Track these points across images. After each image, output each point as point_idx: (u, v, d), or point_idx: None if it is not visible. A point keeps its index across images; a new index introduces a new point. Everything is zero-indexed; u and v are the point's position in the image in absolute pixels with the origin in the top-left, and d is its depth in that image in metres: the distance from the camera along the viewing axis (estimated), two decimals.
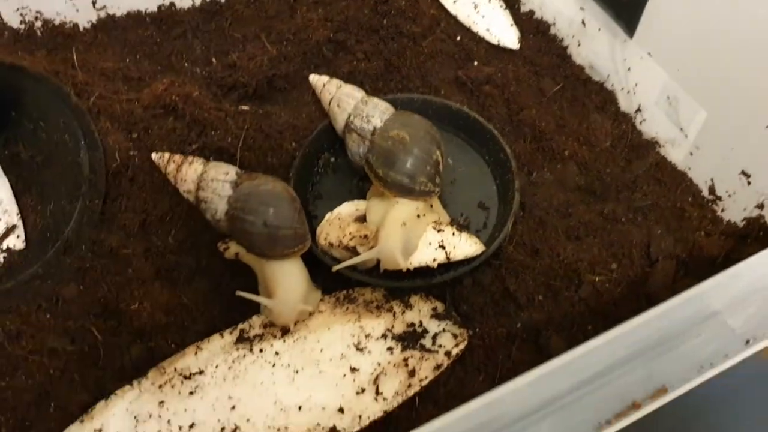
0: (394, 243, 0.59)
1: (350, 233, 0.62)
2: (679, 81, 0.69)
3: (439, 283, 0.62)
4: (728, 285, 0.43)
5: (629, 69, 0.75)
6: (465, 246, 0.61)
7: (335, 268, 0.60)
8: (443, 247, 0.61)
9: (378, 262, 0.61)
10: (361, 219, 0.65)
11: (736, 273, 0.43)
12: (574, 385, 0.37)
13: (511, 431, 0.35)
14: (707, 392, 0.40)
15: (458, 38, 0.82)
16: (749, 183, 0.64)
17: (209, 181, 0.61)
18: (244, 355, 0.57)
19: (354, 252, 0.61)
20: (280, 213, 0.58)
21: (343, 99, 0.66)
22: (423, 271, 0.62)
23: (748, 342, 0.40)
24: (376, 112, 0.64)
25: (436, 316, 0.61)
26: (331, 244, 0.62)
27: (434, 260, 0.61)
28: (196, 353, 0.58)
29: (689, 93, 0.68)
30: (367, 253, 0.60)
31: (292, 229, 0.58)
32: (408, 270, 0.60)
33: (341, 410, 0.54)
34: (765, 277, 0.43)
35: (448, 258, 0.61)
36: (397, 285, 0.62)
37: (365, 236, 0.61)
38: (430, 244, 0.61)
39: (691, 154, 0.70)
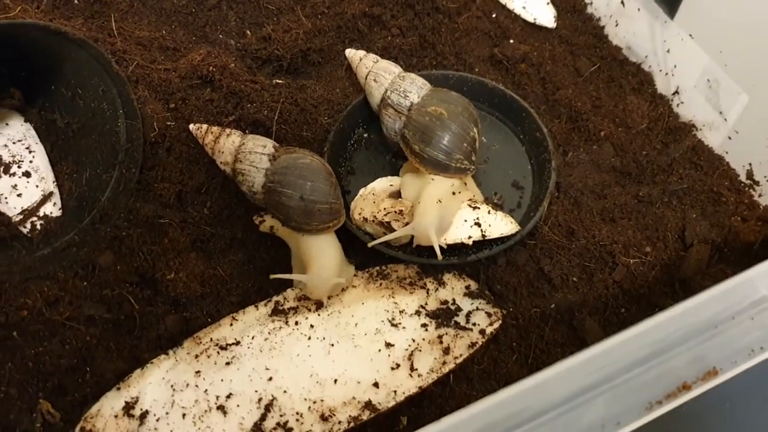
0: (429, 219, 0.59)
1: (385, 209, 0.62)
2: (721, 64, 0.68)
3: (473, 261, 0.62)
4: None
5: (668, 51, 0.74)
6: (500, 225, 0.61)
7: (371, 244, 0.60)
8: (479, 225, 0.61)
9: (411, 238, 0.61)
10: (395, 195, 0.65)
11: None
12: (625, 367, 0.37)
13: (566, 408, 0.36)
14: (756, 377, 0.40)
15: (494, 15, 0.81)
16: None
17: (247, 153, 0.61)
18: (280, 327, 0.57)
19: (388, 227, 0.61)
20: (317, 187, 0.58)
21: (380, 74, 0.66)
22: (457, 249, 0.62)
23: None
24: (414, 88, 0.64)
25: (469, 294, 0.61)
26: (365, 219, 0.62)
27: (469, 237, 0.60)
28: (231, 324, 0.58)
29: (731, 76, 0.67)
30: (402, 229, 0.60)
31: (327, 204, 0.58)
32: (442, 247, 0.60)
33: (376, 385, 0.54)
34: None
35: (483, 236, 0.61)
36: (431, 262, 0.62)
37: (400, 212, 0.61)
38: (465, 221, 0.61)
39: (730, 138, 0.69)
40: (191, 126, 0.63)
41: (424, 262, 0.62)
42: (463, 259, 0.62)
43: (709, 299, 0.41)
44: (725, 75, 0.67)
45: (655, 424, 0.37)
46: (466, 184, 0.65)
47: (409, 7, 0.79)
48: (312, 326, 0.58)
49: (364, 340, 0.57)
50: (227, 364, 0.55)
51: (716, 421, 0.58)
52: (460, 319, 0.59)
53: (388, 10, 0.79)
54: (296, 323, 0.58)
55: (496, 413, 0.35)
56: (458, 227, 0.61)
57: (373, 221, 0.62)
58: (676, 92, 0.74)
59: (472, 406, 0.36)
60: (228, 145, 0.62)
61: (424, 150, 0.61)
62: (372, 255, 0.63)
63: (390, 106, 0.64)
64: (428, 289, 0.61)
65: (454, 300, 0.60)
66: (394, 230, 0.61)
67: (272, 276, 0.59)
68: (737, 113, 0.67)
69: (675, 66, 0.74)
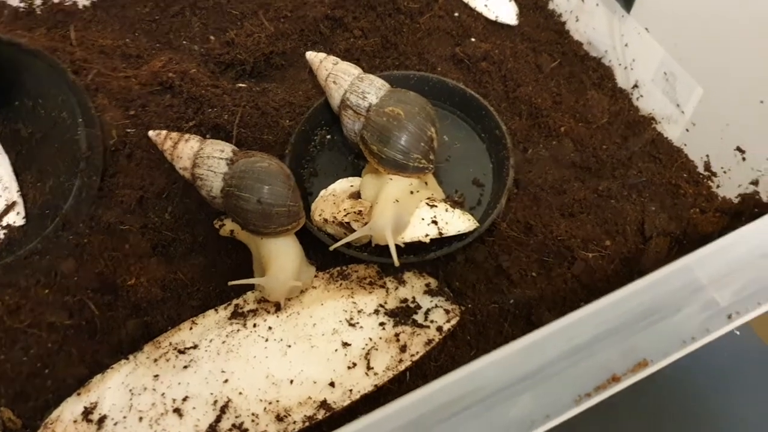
0: (385, 219, 0.59)
1: (344, 209, 0.62)
2: (676, 57, 0.68)
3: (432, 259, 0.63)
4: (713, 259, 0.43)
5: (626, 45, 0.74)
6: (458, 222, 0.62)
7: (332, 247, 0.61)
8: (436, 223, 0.61)
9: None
10: (356, 195, 0.65)
11: (720, 247, 0.43)
12: (555, 358, 0.37)
13: (491, 401, 0.36)
14: (690, 366, 0.41)
15: (456, 14, 0.82)
16: (744, 159, 0.64)
17: (205, 158, 0.61)
18: (238, 330, 0.58)
19: (348, 228, 0.62)
20: (275, 191, 0.58)
21: (340, 76, 0.66)
22: (417, 248, 0.62)
23: (730, 317, 0.40)
24: (372, 89, 0.64)
25: (429, 292, 0.61)
26: (325, 221, 0.63)
27: (426, 236, 0.61)
28: (191, 328, 0.59)
29: (686, 69, 0.68)
30: (360, 230, 0.60)
31: (285, 207, 0.59)
32: (399, 246, 0.60)
33: (332, 384, 0.55)
34: (751, 251, 0.43)
35: (440, 233, 0.61)
36: (390, 261, 0.62)
37: (359, 212, 0.62)
38: (422, 219, 0.62)
39: (687, 130, 0.70)
40: (150, 132, 0.64)
41: (383, 261, 0.63)
42: (422, 257, 0.62)
43: (644, 288, 0.41)
44: (680, 68, 0.68)
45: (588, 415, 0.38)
46: (427, 183, 0.66)
47: (371, 8, 0.79)
48: (270, 328, 0.58)
49: (321, 341, 0.57)
50: (185, 367, 0.56)
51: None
52: (419, 316, 0.59)
53: (350, 12, 0.79)
54: (254, 325, 0.58)
55: (422, 407, 0.35)
56: (416, 226, 0.61)
57: (333, 222, 0.62)
58: (636, 86, 0.75)
59: (399, 400, 0.36)
60: (187, 150, 0.62)
61: (382, 150, 0.61)
62: (333, 255, 0.63)
63: (349, 108, 0.65)
64: (388, 288, 0.61)
65: (414, 298, 0.61)
66: (354, 230, 0.61)
67: (231, 283, 0.60)
68: (693, 106, 0.68)
69: (633, 60, 0.74)
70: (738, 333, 0.68)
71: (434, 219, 0.61)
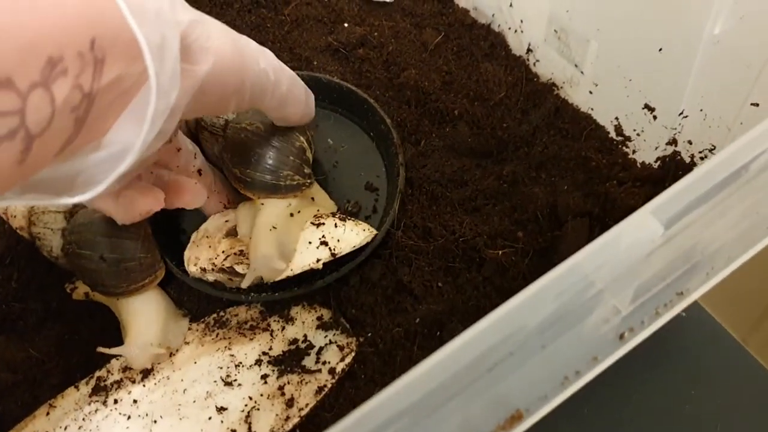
0: (263, 251, 0.51)
1: (222, 252, 0.53)
2: (563, 9, 0.60)
3: (322, 287, 0.54)
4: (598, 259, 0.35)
5: (511, 5, 0.66)
6: (351, 236, 0.54)
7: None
8: (326, 244, 0.53)
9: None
10: (233, 232, 0.56)
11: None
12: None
13: None
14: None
15: None
16: (655, 118, 0.57)
17: (40, 214, 0.53)
18: (96, 410, 0.49)
19: (232, 272, 0.53)
20: (120, 243, 0.50)
21: None
22: (307, 277, 0.54)
23: (622, 337, 0.32)
24: None
25: (322, 326, 0.53)
26: (203, 270, 0.53)
27: (318, 260, 0.52)
28: (48, 413, 0.50)
29: (575, 22, 0.59)
30: (247, 275, 0.51)
31: (135, 260, 0.50)
32: (292, 279, 0.52)
33: None
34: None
35: (333, 255, 0.53)
36: (272, 298, 0.54)
37: (240, 252, 0.53)
38: (309, 243, 0.53)
39: (591, 92, 0.62)
40: None
41: (264, 300, 0.54)
42: (309, 287, 0.54)
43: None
44: (570, 22, 0.60)
45: None
46: (314, 198, 0.57)
47: (227, 6, 0.70)
48: (135, 401, 0.50)
49: (192, 409, 0.49)
50: None
51: None
52: (310, 359, 0.51)
53: (204, 13, 0.70)
54: (116, 402, 0.50)
55: None
56: (303, 252, 0.53)
57: (213, 269, 0.53)
58: (530, 50, 0.66)
59: None
60: (20, 207, 0.54)
61: (246, 172, 0.53)
62: (209, 300, 0.55)
63: (205, 129, 0.57)
64: (273, 331, 0.53)
65: (305, 336, 0.53)
66: (240, 274, 0.52)
67: (99, 349, 0.51)
68: (591, 63, 0.60)
69: (522, 21, 0.66)
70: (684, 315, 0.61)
71: (323, 239, 0.53)
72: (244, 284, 0.51)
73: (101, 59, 0.29)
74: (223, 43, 0.40)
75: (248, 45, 0.43)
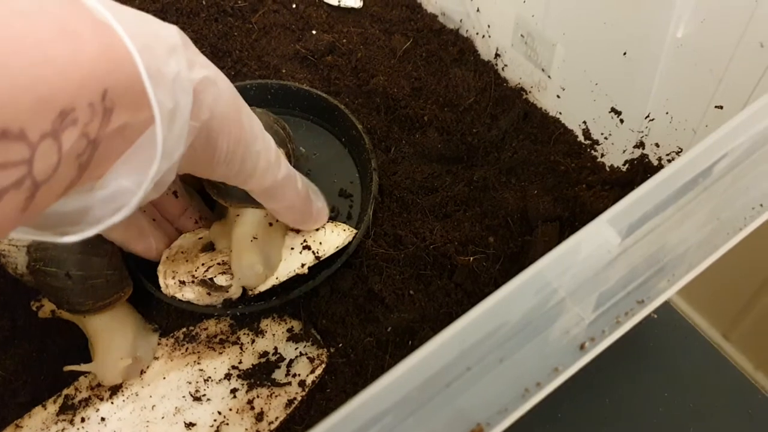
0: (248, 260, 0.50)
1: (203, 264, 0.53)
2: (529, 14, 0.60)
3: (294, 298, 0.54)
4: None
5: (478, 9, 0.66)
6: (333, 237, 0.54)
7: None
8: (309, 248, 0.53)
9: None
10: (210, 248, 0.56)
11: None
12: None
13: None
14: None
15: (294, 5, 0.72)
16: (622, 121, 0.57)
17: None
18: (63, 429, 0.49)
19: (212, 285, 0.52)
20: (86, 260, 0.49)
21: None
22: (299, 282, 0.54)
23: (582, 347, 0.32)
24: None
25: (292, 338, 0.53)
26: (182, 283, 0.52)
27: (303, 265, 0.52)
28: None
29: (542, 27, 0.59)
30: (233, 286, 0.51)
31: (102, 277, 0.50)
32: (277, 289, 0.52)
33: None
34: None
35: (317, 258, 0.52)
36: (241, 311, 0.53)
37: (223, 262, 0.52)
38: (292, 249, 0.53)
39: (558, 96, 0.61)
40: None
41: (233, 312, 0.54)
42: (284, 298, 0.53)
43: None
44: (536, 27, 0.60)
45: None
46: None
47: (193, 15, 0.69)
48: (103, 419, 0.49)
49: (161, 426, 0.48)
50: None
51: None
52: (280, 372, 0.51)
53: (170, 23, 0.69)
54: (83, 420, 0.49)
55: None
56: (287, 259, 0.53)
57: (194, 282, 0.53)
58: (498, 55, 0.66)
59: None
60: None
61: (220, 183, 0.52)
62: (179, 314, 0.54)
63: None
64: (242, 344, 0.52)
65: (275, 349, 0.52)
66: (221, 285, 0.52)
67: (66, 368, 0.51)
68: (558, 67, 0.60)
69: (489, 26, 0.66)
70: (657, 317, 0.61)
71: (305, 244, 0.53)
72: (235, 295, 0.51)
73: (110, 108, 0.29)
74: (229, 110, 0.39)
75: (252, 122, 0.42)
